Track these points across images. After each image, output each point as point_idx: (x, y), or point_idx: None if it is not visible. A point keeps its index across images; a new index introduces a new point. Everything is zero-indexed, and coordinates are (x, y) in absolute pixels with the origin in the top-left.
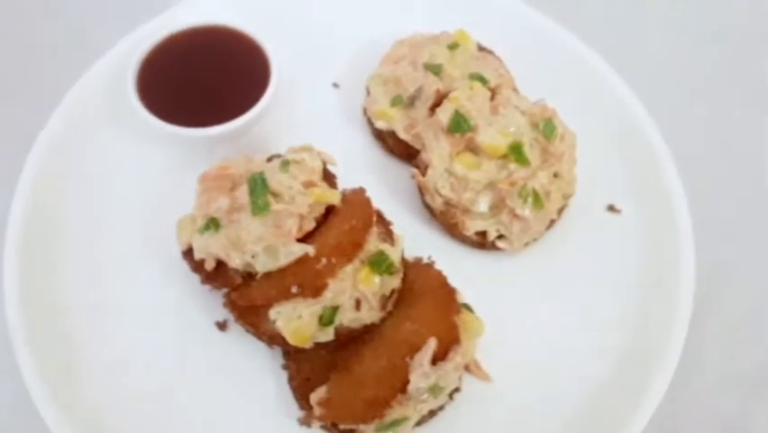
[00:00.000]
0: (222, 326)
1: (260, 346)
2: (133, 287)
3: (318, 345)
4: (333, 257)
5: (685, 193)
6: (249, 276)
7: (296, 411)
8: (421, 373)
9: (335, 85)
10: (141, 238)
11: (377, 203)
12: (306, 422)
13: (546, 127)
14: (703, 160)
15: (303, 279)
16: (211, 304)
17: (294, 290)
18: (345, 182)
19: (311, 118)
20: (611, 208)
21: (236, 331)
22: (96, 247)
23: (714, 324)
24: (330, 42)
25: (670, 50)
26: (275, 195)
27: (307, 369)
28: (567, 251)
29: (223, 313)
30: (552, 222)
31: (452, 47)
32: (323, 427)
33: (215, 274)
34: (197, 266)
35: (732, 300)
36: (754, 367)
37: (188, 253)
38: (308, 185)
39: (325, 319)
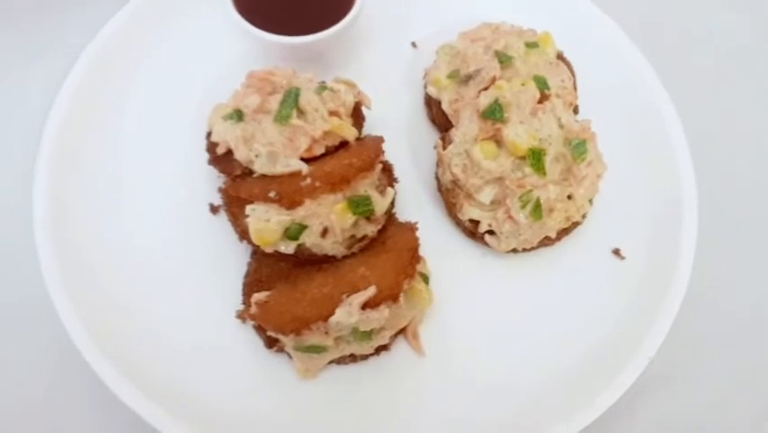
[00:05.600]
0: (214, 209)
1: (236, 238)
2: (156, 158)
3: (281, 256)
4: (318, 181)
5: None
6: (249, 172)
7: (238, 305)
8: (346, 311)
9: (413, 44)
10: (181, 118)
11: (396, 159)
12: (240, 316)
13: (577, 147)
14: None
15: (285, 189)
16: (213, 188)
17: (272, 194)
18: (376, 130)
19: (378, 65)
20: (616, 252)
21: (224, 217)
22: (135, 122)
23: None
24: (425, 8)
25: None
26: (301, 112)
27: (264, 272)
28: (551, 273)
29: (218, 198)
30: (547, 240)
31: (531, 45)
32: (253, 327)
33: (222, 159)
34: (211, 147)
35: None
36: None
37: (210, 135)
38: (333, 114)
39: (291, 233)
